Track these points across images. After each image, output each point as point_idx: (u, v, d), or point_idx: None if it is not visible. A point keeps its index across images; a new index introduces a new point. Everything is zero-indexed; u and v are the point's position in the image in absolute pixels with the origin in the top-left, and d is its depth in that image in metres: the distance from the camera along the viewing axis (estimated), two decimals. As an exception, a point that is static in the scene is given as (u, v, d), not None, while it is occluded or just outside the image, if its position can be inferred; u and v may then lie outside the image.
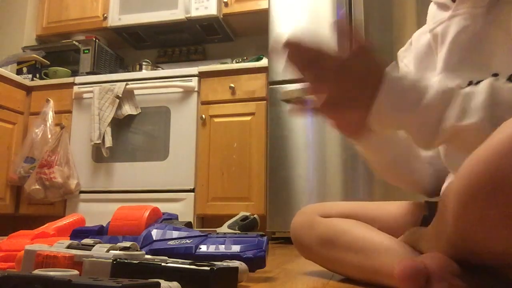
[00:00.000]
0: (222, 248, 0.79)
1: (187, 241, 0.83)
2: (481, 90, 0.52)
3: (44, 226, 1.04)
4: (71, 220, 1.09)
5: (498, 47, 0.63)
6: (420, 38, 0.79)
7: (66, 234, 1.06)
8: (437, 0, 0.75)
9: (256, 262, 0.78)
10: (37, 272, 0.47)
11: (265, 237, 0.81)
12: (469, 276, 0.50)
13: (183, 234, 0.85)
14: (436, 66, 0.72)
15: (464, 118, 0.52)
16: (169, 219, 0.95)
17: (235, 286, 0.64)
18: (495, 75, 0.61)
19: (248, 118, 2.25)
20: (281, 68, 2.08)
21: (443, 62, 0.69)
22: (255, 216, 1.58)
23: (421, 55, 0.78)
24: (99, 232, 0.91)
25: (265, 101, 2.20)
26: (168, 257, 0.65)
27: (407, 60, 0.83)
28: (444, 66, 0.69)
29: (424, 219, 0.71)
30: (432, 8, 0.76)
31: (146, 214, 0.90)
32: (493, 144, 0.43)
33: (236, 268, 0.66)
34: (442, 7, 0.73)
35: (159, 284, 0.48)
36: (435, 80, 0.57)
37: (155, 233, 0.85)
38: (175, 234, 0.85)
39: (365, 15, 1.97)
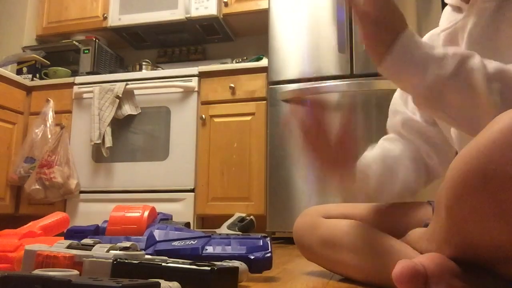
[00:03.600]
0: (229, 249, 0.79)
1: (192, 242, 0.82)
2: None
3: (28, 225, 1.02)
4: (55, 218, 1.07)
5: (509, 44, 0.63)
6: (431, 39, 0.81)
7: (52, 233, 1.05)
8: (451, 3, 0.76)
9: (264, 263, 0.79)
10: (37, 272, 0.47)
11: (268, 238, 0.82)
12: (467, 276, 0.50)
13: (186, 235, 0.85)
14: None
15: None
16: (166, 219, 0.95)
17: (235, 286, 0.64)
18: None
19: (248, 118, 2.25)
20: (281, 68, 2.08)
21: None
22: (251, 217, 1.60)
23: None
24: (95, 232, 0.90)
25: (265, 101, 2.20)
26: (174, 258, 0.65)
27: None
28: None
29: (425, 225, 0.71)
30: (447, 11, 0.78)
31: (146, 214, 0.90)
32: (486, 136, 0.44)
33: (236, 268, 0.66)
34: (456, 9, 0.74)
35: (159, 284, 0.48)
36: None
37: (157, 233, 0.85)
38: (178, 234, 0.85)
39: (365, 15, 1.96)
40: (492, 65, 0.57)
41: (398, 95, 0.89)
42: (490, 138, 0.43)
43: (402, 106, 0.86)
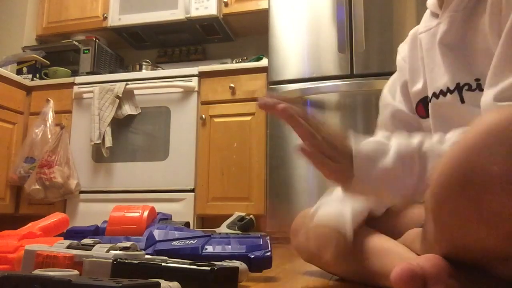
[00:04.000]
0: (228, 249, 0.79)
1: (192, 241, 0.82)
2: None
3: (28, 225, 1.02)
4: (55, 219, 1.07)
5: (479, 51, 0.65)
6: (414, 36, 0.85)
7: (51, 234, 1.05)
8: (430, 8, 0.79)
9: (264, 262, 0.79)
10: (37, 272, 0.47)
11: (268, 237, 0.82)
12: (464, 276, 0.50)
13: (186, 234, 0.85)
14: (419, 69, 0.78)
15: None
16: (165, 219, 0.95)
17: (235, 286, 0.64)
18: (478, 79, 0.65)
19: (248, 118, 2.25)
20: (281, 68, 2.08)
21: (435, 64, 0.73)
22: (251, 216, 1.59)
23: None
24: (95, 233, 0.90)
25: (265, 101, 2.20)
26: (173, 258, 0.65)
27: (404, 54, 0.88)
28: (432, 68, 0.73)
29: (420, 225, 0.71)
30: (426, 14, 0.81)
31: (146, 214, 0.90)
32: (463, 141, 0.44)
33: (236, 268, 0.66)
34: (434, 14, 0.78)
35: (159, 284, 0.48)
36: (394, 144, 0.61)
37: (157, 233, 0.85)
38: (177, 234, 0.85)
39: (365, 15, 1.97)
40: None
41: (386, 90, 0.91)
42: (469, 140, 0.44)
43: (391, 99, 0.88)
